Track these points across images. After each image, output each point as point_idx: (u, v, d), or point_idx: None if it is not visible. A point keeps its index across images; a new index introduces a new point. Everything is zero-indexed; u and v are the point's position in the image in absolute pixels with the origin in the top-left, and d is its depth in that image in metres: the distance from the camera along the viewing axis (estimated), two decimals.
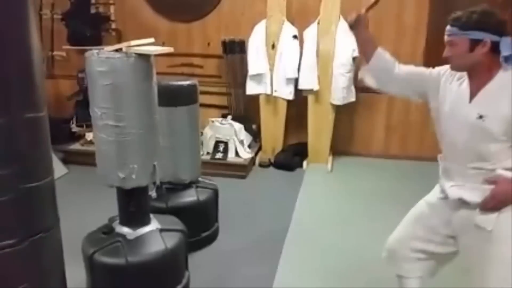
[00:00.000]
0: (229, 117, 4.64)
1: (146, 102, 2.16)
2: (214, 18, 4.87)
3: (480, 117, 1.64)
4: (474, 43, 1.62)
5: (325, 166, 4.61)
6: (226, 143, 4.44)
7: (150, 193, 2.75)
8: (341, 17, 4.35)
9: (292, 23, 4.51)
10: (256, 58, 4.53)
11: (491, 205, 1.67)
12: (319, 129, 4.64)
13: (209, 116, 4.67)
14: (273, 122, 4.77)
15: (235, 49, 4.70)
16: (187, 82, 2.86)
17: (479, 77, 1.68)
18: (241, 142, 4.54)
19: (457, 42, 1.66)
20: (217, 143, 4.44)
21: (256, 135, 4.89)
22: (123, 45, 2.14)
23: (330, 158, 4.73)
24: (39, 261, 1.49)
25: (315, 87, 4.44)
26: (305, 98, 4.58)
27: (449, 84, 1.80)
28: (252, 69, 4.55)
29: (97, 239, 2.34)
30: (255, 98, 4.71)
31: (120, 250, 2.24)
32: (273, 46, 4.50)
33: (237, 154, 4.47)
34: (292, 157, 4.69)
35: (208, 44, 4.92)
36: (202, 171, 3.48)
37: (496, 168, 1.66)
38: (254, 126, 4.90)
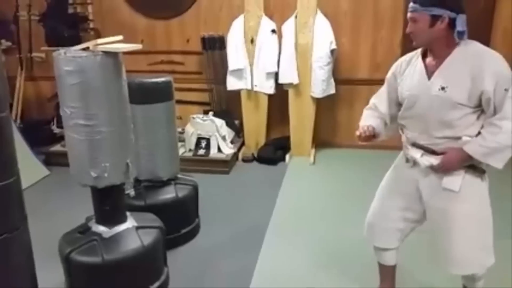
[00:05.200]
0: (211, 113, 4.64)
1: (115, 100, 2.16)
2: (193, 15, 4.85)
3: (442, 88, 1.78)
4: (434, 19, 1.75)
5: (308, 159, 4.64)
6: (208, 139, 4.45)
7: (128, 191, 2.77)
8: (318, 10, 4.36)
9: (270, 18, 4.52)
10: (235, 54, 4.53)
11: (441, 170, 1.85)
12: (300, 122, 4.66)
13: (191, 112, 4.68)
14: (255, 117, 4.78)
15: (215, 45, 4.70)
16: (162, 79, 2.85)
17: (438, 52, 1.81)
18: (223, 137, 4.55)
19: (419, 18, 1.77)
20: (199, 139, 4.44)
21: (238, 131, 4.90)
22: (90, 44, 2.13)
23: (313, 150, 4.76)
24: (5, 261, 1.49)
25: (295, 80, 4.46)
26: (286, 92, 4.60)
27: (404, 69, 1.95)
28: (232, 64, 4.56)
29: (73, 239, 2.34)
30: (236, 93, 4.72)
31: (96, 249, 2.25)
32: (252, 41, 4.50)
33: (219, 150, 4.48)
34: (275, 151, 4.71)
35: (188, 40, 4.91)
36: (185, 167, 3.50)
37: (461, 136, 1.80)
38: (236, 122, 4.91)
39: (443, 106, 1.79)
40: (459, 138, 1.81)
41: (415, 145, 1.94)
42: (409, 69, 1.93)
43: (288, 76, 4.46)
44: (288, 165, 4.56)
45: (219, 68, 4.75)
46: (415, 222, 2.10)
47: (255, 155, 4.72)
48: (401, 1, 4.47)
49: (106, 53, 2.08)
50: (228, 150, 4.52)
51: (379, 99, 2.11)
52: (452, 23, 1.74)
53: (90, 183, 2.24)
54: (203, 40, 4.70)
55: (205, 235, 3.17)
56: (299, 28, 4.40)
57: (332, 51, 4.39)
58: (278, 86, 4.59)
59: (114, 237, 2.33)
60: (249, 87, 4.62)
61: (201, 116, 4.59)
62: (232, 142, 4.72)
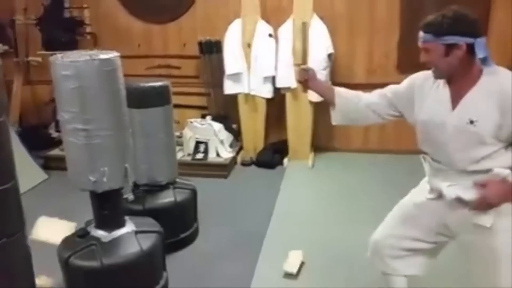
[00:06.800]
0: (209, 117, 4.64)
1: (113, 104, 2.16)
2: (189, 19, 4.86)
3: (471, 122, 1.62)
4: (449, 48, 1.61)
5: (306, 163, 4.63)
6: (206, 144, 4.44)
7: (126, 195, 2.76)
8: (315, 14, 4.38)
9: (267, 22, 4.53)
10: (232, 58, 4.54)
11: (482, 207, 1.65)
12: (298, 126, 4.66)
13: (189, 117, 4.67)
14: (253, 120, 4.78)
15: (212, 49, 4.70)
16: (159, 83, 2.86)
17: (461, 81, 1.67)
18: (222, 142, 4.55)
19: (432, 47, 1.64)
20: (197, 143, 4.43)
21: (236, 135, 4.90)
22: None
23: (311, 154, 4.76)
24: (4, 266, 1.49)
25: (293, 84, 4.46)
26: (284, 96, 4.61)
27: (426, 91, 1.79)
28: (229, 68, 4.56)
29: (72, 243, 2.34)
30: (234, 97, 4.71)
31: (95, 253, 2.24)
32: (249, 45, 4.51)
33: (218, 154, 4.48)
34: (273, 155, 4.71)
35: (184, 45, 4.91)
36: (183, 172, 3.50)
37: (492, 167, 1.64)
38: (234, 126, 4.91)
39: (472, 140, 1.63)
40: (489, 170, 1.64)
41: (438, 173, 1.80)
42: (427, 91, 1.78)
43: (286, 80, 4.46)
44: (286, 169, 4.55)
45: (217, 72, 4.74)
46: (426, 251, 1.98)
47: (254, 159, 4.71)
48: (397, 5, 4.49)
49: (104, 58, 2.08)
50: (226, 154, 4.52)
51: (375, 93, 2.00)
52: (471, 49, 1.59)
53: (89, 188, 2.23)
54: (200, 44, 4.71)
55: (204, 239, 3.16)
56: (295, 32, 4.41)
57: (329, 55, 4.40)
58: (276, 90, 4.59)
59: (113, 242, 2.32)
60: (246, 91, 4.62)
61: (199, 120, 4.59)
62: (230, 146, 4.71)
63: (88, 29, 4.95)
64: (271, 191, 3.96)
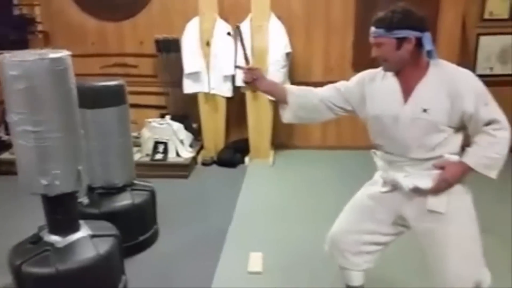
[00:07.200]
0: (168, 117, 4.58)
1: (64, 105, 2.09)
2: (145, 17, 4.78)
3: (424, 110, 1.71)
4: (400, 41, 1.69)
5: (267, 161, 4.67)
6: (165, 144, 4.38)
7: (81, 199, 2.68)
8: (272, 14, 4.41)
9: (226, 20, 4.52)
10: (191, 56, 4.50)
11: (443, 187, 1.76)
12: (259, 125, 4.68)
13: (147, 117, 4.60)
14: (213, 119, 4.76)
15: (170, 48, 4.64)
16: (114, 83, 2.79)
17: (411, 73, 1.75)
18: (181, 141, 4.50)
19: (384, 42, 1.71)
20: (156, 144, 4.36)
21: (197, 134, 4.86)
22: None
23: (272, 152, 4.80)
24: None
25: None
26: (244, 95, 4.61)
27: (376, 87, 1.86)
28: (188, 67, 4.52)
29: (25, 250, 2.25)
30: (194, 96, 4.68)
31: (49, 259, 2.17)
32: (208, 44, 4.48)
33: (178, 154, 4.43)
34: (234, 153, 4.71)
35: (141, 43, 4.82)
36: (142, 173, 3.43)
37: (442, 154, 1.75)
38: (194, 125, 4.87)
39: (426, 128, 1.73)
40: (440, 157, 1.77)
41: (392, 165, 1.87)
42: (376, 88, 1.86)
43: None
44: (247, 168, 4.57)
45: (175, 71, 4.68)
46: (384, 244, 2.04)
47: (215, 158, 4.70)
48: (352, 7, 4.62)
49: (54, 57, 2.01)
50: (186, 154, 4.47)
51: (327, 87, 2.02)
52: (419, 43, 1.70)
53: (41, 192, 2.16)
54: (157, 42, 4.64)
55: (164, 241, 3.12)
56: (254, 31, 4.42)
57: (287, 54, 4.44)
58: (236, 89, 4.59)
59: (68, 247, 2.25)
60: (206, 90, 4.60)
61: (157, 120, 4.52)
62: (190, 145, 4.67)
63: (39, 27, 4.77)
64: (232, 190, 3.96)
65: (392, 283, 2.54)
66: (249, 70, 2.00)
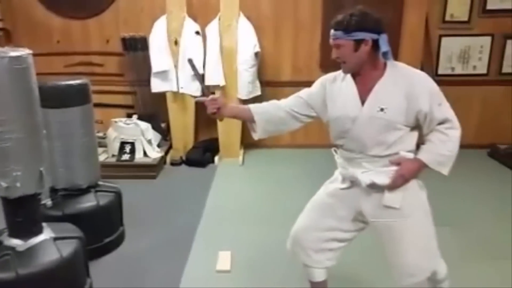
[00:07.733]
0: (135, 116, 4.52)
1: (25, 105, 2.02)
2: (112, 14, 4.70)
3: (382, 109, 1.78)
4: (358, 43, 1.75)
5: (237, 160, 4.68)
6: (132, 144, 4.32)
7: (44, 201, 2.61)
8: (241, 13, 4.42)
9: (194, 19, 4.49)
10: (159, 55, 4.46)
11: (400, 183, 1.83)
12: (228, 124, 4.63)
13: (114, 116, 4.52)
14: (182, 119, 4.73)
15: (137, 46, 4.59)
16: (77, 82, 2.72)
17: (368, 74, 1.81)
18: (149, 141, 4.45)
19: (342, 43, 1.77)
20: (123, 144, 4.29)
21: (165, 133, 4.82)
22: None
23: (241, 151, 4.81)
24: None
25: (221, 82, 4.48)
26: (213, 94, 4.59)
27: (336, 90, 1.91)
28: (155, 66, 4.47)
29: None
30: (162, 95, 4.63)
31: (9, 263, 2.09)
32: (176, 43, 4.45)
33: (145, 154, 4.37)
34: (204, 153, 4.69)
35: (107, 41, 4.74)
36: (109, 174, 3.37)
37: (398, 151, 1.83)
38: (163, 125, 4.82)
39: (383, 127, 1.79)
40: (397, 154, 1.83)
41: (350, 162, 1.92)
42: (336, 90, 1.91)
43: (214, 78, 4.46)
44: (217, 167, 4.57)
45: (142, 70, 4.63)
46: (346, 241, 2.07)
47: (184, 158, 4.67)
48: (319, 8, 4.68)
49: (14, 55, 1.95)
50: (154, 154, 4.42)
51: (290, 98, 2.06)
52: (375, 45, 1.76)
53: (1, 194, 2.09)
54: (124, 41, 4.57)
55: (131, 243, 3.07)
56: (223, 31, 4.42)
57: (256, 54, 4.46)
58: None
59: (29, 250, 2.18)
60: (174, 89, 4.56)
61: (124, 119, 4.44)
62: (158, 145, 4.62)
63: (0, 25, 4.60)
64: (202, 190, 3.95)
65: (357, 281, 2.59)
66: (211, 101, 1.99)
